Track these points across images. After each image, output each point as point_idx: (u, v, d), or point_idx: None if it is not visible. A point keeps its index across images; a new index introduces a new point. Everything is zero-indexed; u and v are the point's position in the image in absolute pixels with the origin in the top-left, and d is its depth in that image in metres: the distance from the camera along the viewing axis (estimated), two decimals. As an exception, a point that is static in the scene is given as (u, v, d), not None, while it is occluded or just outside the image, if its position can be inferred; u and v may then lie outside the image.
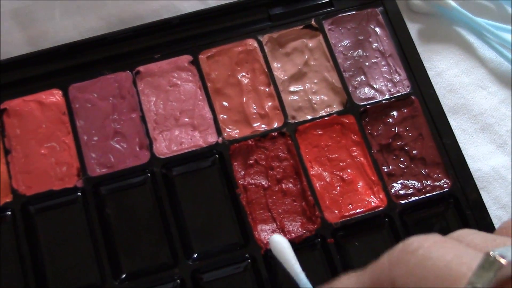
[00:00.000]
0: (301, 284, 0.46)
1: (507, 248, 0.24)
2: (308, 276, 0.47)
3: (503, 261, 0.23)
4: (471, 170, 0.58)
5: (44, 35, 0.66)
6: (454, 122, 0.63)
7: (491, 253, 0.24)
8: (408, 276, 0.26)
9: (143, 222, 0.56)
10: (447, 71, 0.65)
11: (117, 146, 0.59)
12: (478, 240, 0.28)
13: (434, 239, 0.27)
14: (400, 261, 0.27)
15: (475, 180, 0.58)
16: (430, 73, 0.63)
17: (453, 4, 0.65)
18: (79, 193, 0.57)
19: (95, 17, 0.66)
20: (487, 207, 0.57)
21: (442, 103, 0.61)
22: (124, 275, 0.55)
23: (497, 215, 0.60)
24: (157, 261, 0.55)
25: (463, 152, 0.59)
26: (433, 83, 0.62)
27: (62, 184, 0.57)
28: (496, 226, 0.57)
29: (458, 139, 0.60)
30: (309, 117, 0.60)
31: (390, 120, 0.60)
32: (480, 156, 0.62)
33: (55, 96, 0.60)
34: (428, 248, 0.26)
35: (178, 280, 0.54)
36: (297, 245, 0.55)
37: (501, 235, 0.29)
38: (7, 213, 0.56)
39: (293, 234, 0.55)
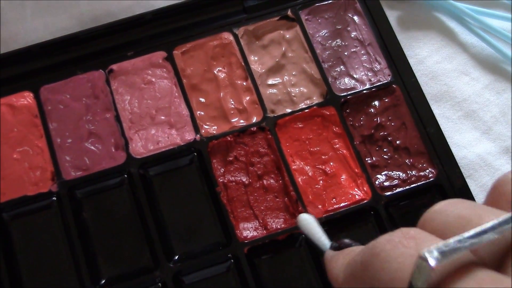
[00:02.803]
0: None
1: (446, 244, 0.23)
2: (295, 274, 0.45)
3: (431, 261, 0.22)
4: (456, 158, 0.57)
5: (15, 36, 0.64)
6: (438, 110, 0.61)
7: (420, 253, 0.23)
8: (374, 279, 0.25)
9: (121, 225, 0.55)
10: (428, 58, 0.64)
11: (92, 147, 0.57)
12: (451, 218, 0.26)
13: (399, 238, 0.25)
14: (368, 263, 0.26)
15: (460, 168, 0.57)
16: (411, 61, 0.61)
17: (432, -11, 0.64)
18: (54, 198, 0.55)
19: (66, 16, 0.65)
20: (474, 195, 0.56)
21: (424, 91, 0.59)
22: (103, 281, 0.53)
23: (484, 203, 0.58)
24: (138, 264, 0.54)
25: (448, 140, 0.58)
26: (414, 71, 0.60)
27: (36, 189, 0.55)
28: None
29: (442, 127, 0.58)
30: (289, 110, 0.58)
31: (372, 110, 0.59)
32: (465, 143, 0.61)
33: (26, 98, 0.58)
34: (390, 250, 0.25)
35: (160, 284, 0.52)
36: (281, 242, 0.54)
37: (492, 200, 0.27)
38: (-20, 221, 0.54)
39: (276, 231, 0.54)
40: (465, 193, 0.55)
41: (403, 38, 0.64)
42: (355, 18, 0.63)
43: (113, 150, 0.57)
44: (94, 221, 0.55)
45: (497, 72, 0.64)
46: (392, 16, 0.65)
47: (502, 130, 0.61)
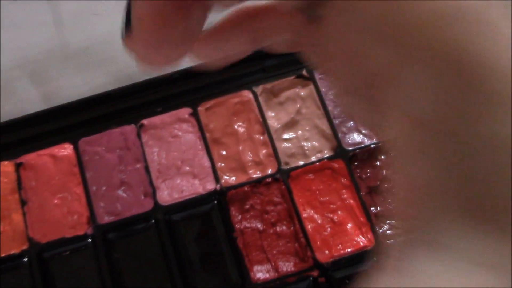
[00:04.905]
0: None
1: None
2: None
3: None
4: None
5: (59, 91, 0.71)
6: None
7: None
8: None
9: (148, 265, 0.61)
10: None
11: (124, 195, 0.63)
12: None
13: None
14: None
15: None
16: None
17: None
18: (89, 240, 0.62)
19: (104, 73, 0.71)
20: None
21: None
22: (130, 316, 0.59)
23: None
24: (161, 301, 0.60)
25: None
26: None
27: (73, 232, 0.62)
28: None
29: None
30: (301, 163, 0.64)
31: (379, 163, 0.64)
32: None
33: (66, 150, 0.65)
34: None
35: (180, 320, 0.58)
36: (291, 284, 0.59)
37: None
38: (24, 259, 0.61)
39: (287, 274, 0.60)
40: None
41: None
42: (365, 77, 0.68)
43: (142, 198, 0.63)
44: (124, 261, 0.61)
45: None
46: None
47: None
